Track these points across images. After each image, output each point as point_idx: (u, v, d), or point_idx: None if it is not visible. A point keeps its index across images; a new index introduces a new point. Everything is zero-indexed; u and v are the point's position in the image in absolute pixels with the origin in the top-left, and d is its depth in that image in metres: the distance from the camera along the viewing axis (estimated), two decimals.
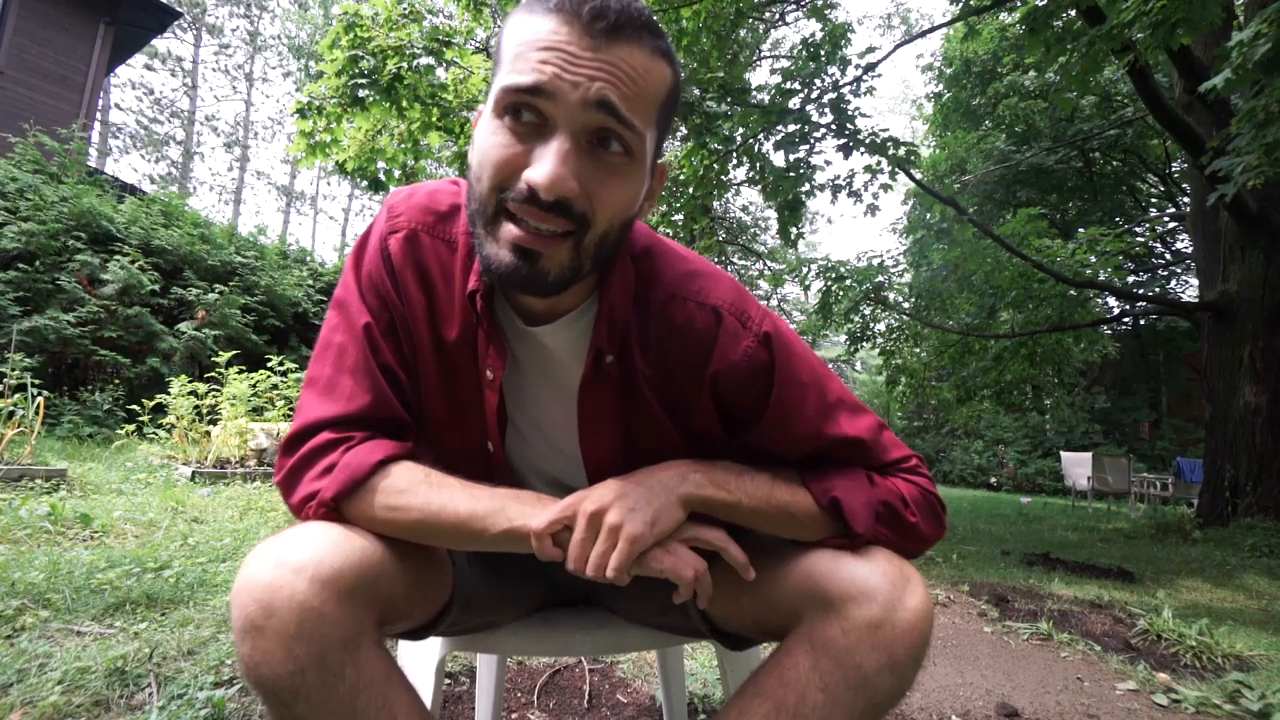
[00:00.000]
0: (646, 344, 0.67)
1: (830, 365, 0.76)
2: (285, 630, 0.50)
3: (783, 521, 0.65)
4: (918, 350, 9.07)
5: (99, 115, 19.53)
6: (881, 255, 8.08)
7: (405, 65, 5.32)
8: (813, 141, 5.56)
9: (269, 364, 5.25)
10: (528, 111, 0.55)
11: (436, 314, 0.68)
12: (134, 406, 5.08)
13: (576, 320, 0.67)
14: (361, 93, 5.31)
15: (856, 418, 0.69)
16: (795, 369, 0.67)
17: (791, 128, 5.47)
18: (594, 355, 0.65)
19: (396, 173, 6.29)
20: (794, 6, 6.95)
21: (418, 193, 0.70)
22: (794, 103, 5.63)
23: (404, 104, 5.47)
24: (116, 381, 5.98)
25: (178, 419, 4.65)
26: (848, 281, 7.65)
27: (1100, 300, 10.29)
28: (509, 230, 0.56)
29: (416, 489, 0.60)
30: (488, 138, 0.57)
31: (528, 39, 0.55)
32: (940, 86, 14.27)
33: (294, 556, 0.53)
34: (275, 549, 0.54)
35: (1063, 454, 9.47)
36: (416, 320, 0.68)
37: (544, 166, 0.53)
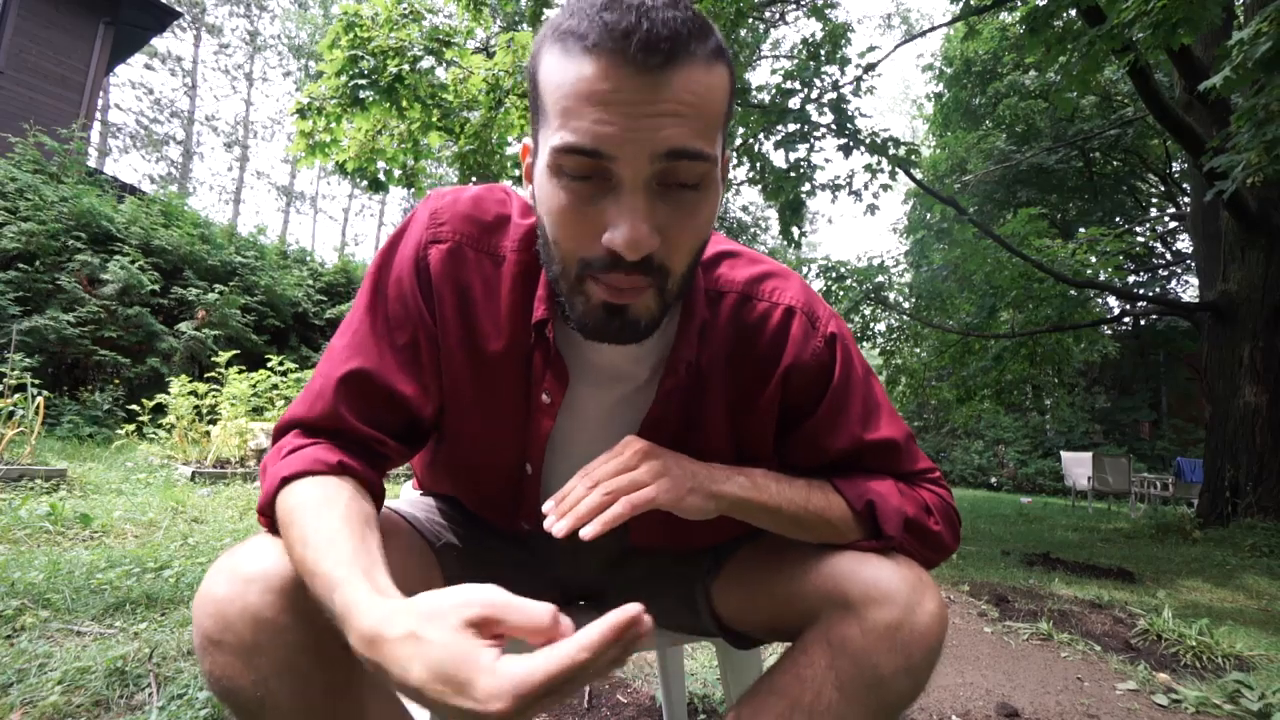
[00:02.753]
0: (719, 346, 0.67)
1: None
2: (242, 643, 0.49)
3: (818, 527, 0.65)
4: (918, 350, 9.08)
5: (99, 115, 19.54)
6: (881, 255, 8.09)
7: (406, 66, 5.32)
8: (813, 141, 5.56)
9: (269, 364, 5.24)
10: (591, 171, 0.51)
11: (475, 330, 0.65)
12: (134, 406, 5.08)
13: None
14: (362, 94, 5.31)
15: (894, 423, 0.70)
16: (852, 371, 0.69)
17: (791, 128, 5.47)
18: (684, 366, 0.65)
19: (397, 172, 6.29)
20: (794, 6, 6.95)
21: (462, 199, 0.67)
22: (794, 102, 5.63)
23: (404, 104, 5.47)
24: (116, 381, 5.98)
25: (178, 419, 4.64)
26: (848, 281, 7.66)
27: (1100, 300, 10.30)
28: (595, 291, 0.54)
29: (299, 516, 0.52)
30: (550, 199, 0.53)
31: (574, 90, 0.49)
32: (940, 86, 14.27)
33: (247, 568, 0.52)
34: (231, 561, 0.53)
35: (1063, 454, 9.47)
36: (448, 336, 0.65)
37: (624, 230, 0.50)
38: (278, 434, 0.64)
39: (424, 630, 0.39)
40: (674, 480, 0.59)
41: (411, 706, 0.64)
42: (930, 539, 0.67)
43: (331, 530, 0.50)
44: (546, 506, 0.56)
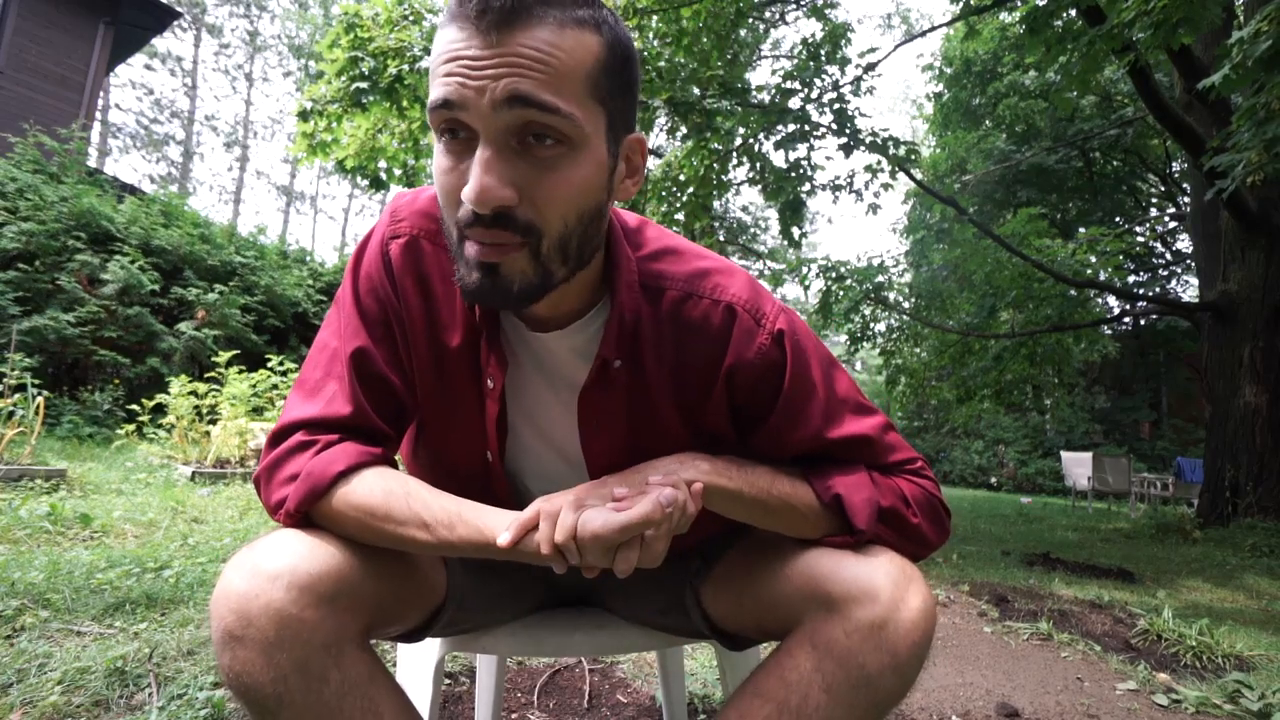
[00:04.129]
0: (661, 344, 0.66)
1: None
2: (264, 639, 0.50)
3: (784, 515, 0.65)
4: (918, 350, 9.08)
5: (99, 115, 19.56)
6: (881, 255, 8.09)
7: (406, 67, 5.31)
8: (812, 141, 5.56)
9: (269, 364, 5.24)
10: (457, 128, 0.53)
11: (436, 322, 0.67)
12: (134, 406, 5.08)
13: (586, 326, 0.67)
14: (363, 97, 5.30)
15: (862, 417, 0.69)
16: (807, 367, 0.67)
17: (791, 127, 5.48)
18: (600, 363, 0.64)
19: (397, 171, 6.30)
20: (794, 6, 6.96)
21: (420, 197, 0.69)
22: (794, 102, 5.63)
23: (404, 104, 5.47)
24: (116, 381, 5.98)
25: (177, 419, 4.64)
26: (848, 281, 7.65)
27: (1100, 300, 10.31)
28: (469, 249, 0.55)
29: (379, 498, 0.59)
30: (435, 164, 0.57)
31: (435, 57, 0.53)
32: (940, 86, 14.27)
33: (270, 564, 0.52)
34: (251, 557, 0.54)
35: (1063, 454, 9.47)
36: (415, 327, 0.67)
37: (471, 182, 0.52)
38: (284, 434, 0.63)
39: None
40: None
41: (417, 705, 0.64)
42: (909, 531, 0.66)
43: (444, 505, 0.59)
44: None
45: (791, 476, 0.66)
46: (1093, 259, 7.20)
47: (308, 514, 0.60)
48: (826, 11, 6.29)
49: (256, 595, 0.50)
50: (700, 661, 1.75)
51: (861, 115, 5.56)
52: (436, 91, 0.52)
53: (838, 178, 6.04)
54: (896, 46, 6.66)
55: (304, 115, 5.56)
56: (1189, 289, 15.12)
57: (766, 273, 18.66)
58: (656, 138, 9.36)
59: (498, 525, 0.57)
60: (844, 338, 8.70)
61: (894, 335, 8.77)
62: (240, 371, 4.94)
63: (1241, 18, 6.10)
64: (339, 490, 0.59)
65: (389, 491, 0.59)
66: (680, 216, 6.31)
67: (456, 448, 0.72)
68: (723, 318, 0.66)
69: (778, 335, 0.66)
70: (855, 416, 0.68)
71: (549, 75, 0.51)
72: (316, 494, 0.58)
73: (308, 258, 9.48)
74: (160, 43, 23.17)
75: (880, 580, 0.58)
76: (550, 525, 0.55)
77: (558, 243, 0.56)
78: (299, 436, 0.62)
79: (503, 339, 0.67)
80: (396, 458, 0.73)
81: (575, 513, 0.55)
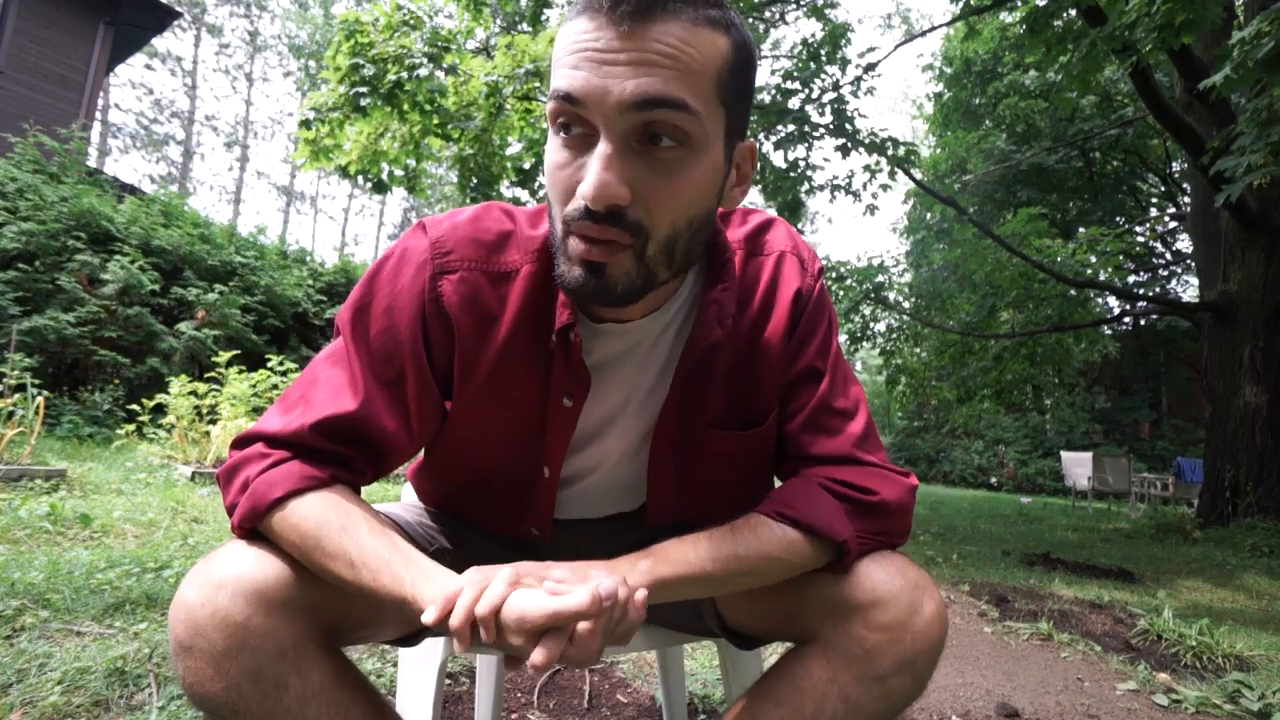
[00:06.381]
0: (726, 310, 0.67)
1: None
2: (213, 648, 0.50)
3: (762, 569, 0.60)
4: (918, 350, 9.09)
5: (99, 115, 19.56)
6: (881, 255, 8.10)
7: (405, 74, 5.32)
8: (810, 141, 5.57)
9: (269, 364, 5.24)
10: (575, 123, 0.53)
11: (494, 346, 0.65)
12: (134, 406, 5.07)
13: (667, 309, 0.67)
14: (363, 101, 5.31)
15: (845, 381, 0.72)
16: (821, 312, 0.72)
17: (791, 128, 5.48)
18: (701, 353, 0.65)
19: (399, 172, 6.32)
20: (794, 6, 6.95)
21: (460, 224, 0.66)
22: (794, 103, 5.64)
23: (405, 108, 5.48)
24: (116, 381, 5.98)
25: (177, 419, 4.64)
26: (848, 281, 7.66)
27: (1100, 300, 10.31)
28: (575, 245, 0.54)
29: (327, 536, 0.54)
30: (548, 158, 0.56)
31: (563, 46, 0.53)
32: (940, 86, 14.28)
33: (218, 573, 0.52)
34: (204, 568, 0.53)
35: (1063, 454, 9.47)
36: (467, 357, 0.64)
37: (589, 178, 0.51)
38: (246, 441, 0.62)
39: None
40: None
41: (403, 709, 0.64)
42: (873, 509, 0.63)
43: (376, 548, 0.54)
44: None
45: (751, 526, 0.61)
46: (1093, 259, 7.20)
47: (254, 530, 0.58)
48: (826, 11, 6.29)
49: (204, 604, 0.50)
50: (700, 661, 1.75)
51: (860, 116, 5.57)
52: (559, 82, 0.52)
53: (836, 178, 6.04)
54: (896, 46, 6.67)
55: (306, 124, 5.57)
56: (1189, 289, 15.14)
57: None
58: None
59: (424, 587, 0.51)
60: (844, 338, 8.71)
61: (894, 335, 8.79)
62: (240, 371, 4.94)
63: (1242, 18, 6.10)
64: (277, 512, 0.56)
65: (324, 521, 0.55)
66: None
67: (503, 465, 0.71)
68: (776, 268, 0.70)
69: (817, 273, 0.73)
70: (839, 369, 0.72)
71: (680, 72, 0.51)
72: (257, 514, 0.57)
73: (308, 258, 9.48)
74: (160, 43, 23.22)
75: (893, 587, 0.59)
76: (473, 595, 0.48)
77: (664, 246, 0.55)
78: (258, 447, 0.61)
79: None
80: (403, 474, 0.71)
81: (507, 587, 0.49)
